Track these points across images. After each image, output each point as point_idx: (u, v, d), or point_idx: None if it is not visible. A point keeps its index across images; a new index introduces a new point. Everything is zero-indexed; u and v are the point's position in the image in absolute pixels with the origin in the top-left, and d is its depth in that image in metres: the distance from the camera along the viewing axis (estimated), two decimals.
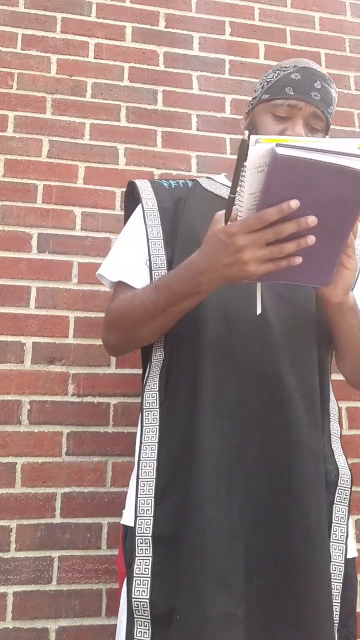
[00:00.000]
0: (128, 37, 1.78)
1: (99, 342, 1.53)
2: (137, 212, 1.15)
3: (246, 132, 0.78)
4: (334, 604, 0.94)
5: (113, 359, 1.53)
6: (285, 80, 1.10)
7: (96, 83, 1.72)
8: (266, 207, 0.78)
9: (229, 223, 0.84)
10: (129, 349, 1.15)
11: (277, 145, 0.74)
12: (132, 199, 1.20)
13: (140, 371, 1.52)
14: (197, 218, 1.08)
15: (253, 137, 0.76)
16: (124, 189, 1.64)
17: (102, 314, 1.55)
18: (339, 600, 0.95)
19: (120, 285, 1.10)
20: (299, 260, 0.83)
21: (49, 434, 1.46)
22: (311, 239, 0.81)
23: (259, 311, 0.93)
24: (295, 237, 0.81)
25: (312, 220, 0.79)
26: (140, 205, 1.14)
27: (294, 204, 0.77)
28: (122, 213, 1.62)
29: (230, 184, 1.17)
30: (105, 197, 1.64)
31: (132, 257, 1.10)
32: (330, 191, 0.78)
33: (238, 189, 0.81)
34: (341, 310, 0.98)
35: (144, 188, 1.16)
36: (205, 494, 0.91)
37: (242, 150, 0.77)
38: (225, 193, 1.16)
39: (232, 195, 0.82)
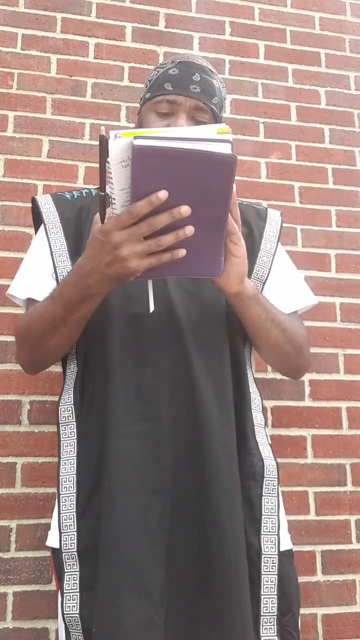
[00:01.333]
0: (128, 37, 1.78)
1: None
2: (41, 226, 1.14)
3: (102, 127, 0.77)
4: (270, 597, 0.94)
5: None
6: (164, 77, 1.10)
7: (96, 83, 1.72)
8: (137, 201, 0.78)
9: (105, 221, 0.84)
10: (44, 365, 1.12)
11: (135, 137, 0.74)
12: (35, 217, 1.18)
13: None
14: None
15: (112, 132, 0.75)
16: None
17: None
18: (275, 593, 0.95)
19: (30, 302, 1.08)
20: (182, 252, 0.82)
21: (49, 434, 1.46)
22: (189, 229, 0.80)
23: (151, 309, 0.93)
24: (174, 228, 0.80)
25: (185, 209, 0.78)
26: (41, 220, 1.13)
27: (162, 194, 0.76)
28: None
29: None
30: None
31: (38, 273, 1.09)
32: (197, 179, 0.77)
33: (108, 186, 0.80)
34: (241, 300, 0.97)
35: (44, 202, 1.14)
36: (117, 502, 0.91)
37: (102, 146, 0.76)
38: None
39: (102, 194, 0.81)
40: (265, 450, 1.03)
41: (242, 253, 0.91)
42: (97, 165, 1.72)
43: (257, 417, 1.06)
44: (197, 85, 1.08)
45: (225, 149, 0.77)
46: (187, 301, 1.02)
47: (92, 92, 1.71)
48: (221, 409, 0.97)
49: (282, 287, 1.13)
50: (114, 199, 0.80)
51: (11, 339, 1.50)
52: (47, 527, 1.39)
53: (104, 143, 0.76)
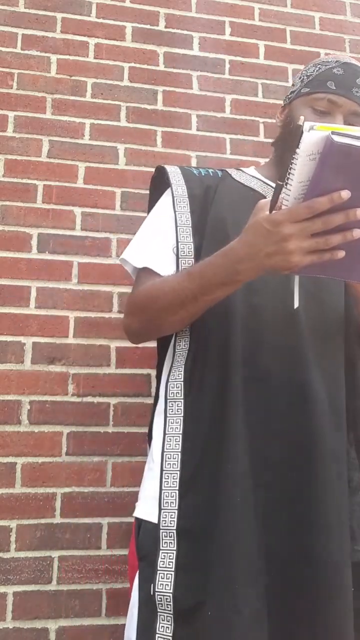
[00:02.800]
0: (128, 37, 1.78)
1: (99, 342, 1.54)
2: (166, 197, 1.12)
3: (302, 117, 0.75)
4: None
5: (113, 359, 1.53)
6: (327, 74, 1.07)
7: (96, 83, 1.72)
8: (314, 197, 0.76)
9: (274, 212, 0.81)
10: (152, 337, 1.12)
11: (333, 132, 0.72)
12: (159, 185, 1.17)
13: (141, 371, 1.53)
14: (227, 208, 1.06)
15: (307, 124, 0.73)
16: (124, 189, 1.65)
17: (102, 314, 1.55)
18: None
19: (145, 272, 1.06)
20: (342, 254, 0.81)
21: (49, 434, 1.46)
22: (357, 232, 0.79)
23: (296, 304, 0.92)
24: (341, 229, 0.79)
25: None
26: (169, 191, 1.11)
27: (345, 194, 0.75)
28: (122, 213, 1.63)
29: (260, 177, 1.16)
30: (105, 197, 1.64)
31: (160, 244, 1.07)
32: None
33: (287, 176, 0.77)
34: None
35: (174, 174, 1.13)
36: (236, 489, 0.90)
37: (296, 136, 0.74)
38: (256, 185, 1.14)
39: (280, 183, 0.79)
40: None
41: None
42: (97, 165, 1.73)
43: None
44: (359, 89, 1.06)
45: None
46: (308, 301, 1.01)
47: (92, 92, 1.71)
48: (333, 413, 0.96)
49: None
50: (289, 190, 0.78)
51: (11, 338, 1.50)
52: (47, 527, 1.40)
53: (298, 133, 0.73)
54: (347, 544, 0.91)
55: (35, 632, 1.35)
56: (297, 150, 0.74)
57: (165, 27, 1.81)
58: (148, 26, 1.80)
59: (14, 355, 1.49)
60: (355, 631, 0.88)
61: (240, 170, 1.20)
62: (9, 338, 1.50)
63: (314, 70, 1.10)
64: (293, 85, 1.16)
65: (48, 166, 1.63)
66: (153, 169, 1.69)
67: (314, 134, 0.73)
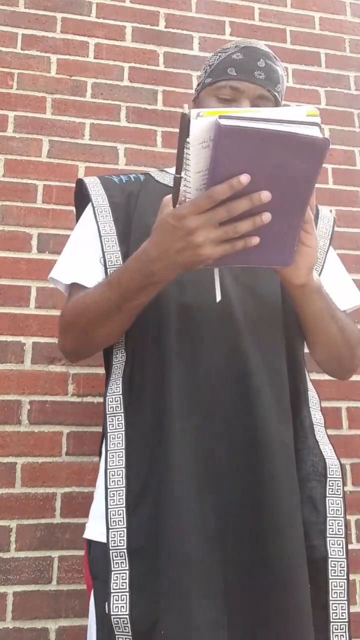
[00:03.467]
0: (128, 37, 1.78)
1: None
2: (87, 210, 1.09)
3: (186, 105, 0.72)
4: (340, 602, 0.91)
5: None
6: (227, 61, 1.05)
7: (96, 83, 1.72)
8: (215, 185, 0.73)
9: (177, 205, 0.79)
10: (89, 353, 1.08)
11: (220, 116, 0.69)
12: (80, 199, 1.14)
13: None
14: (151, 212, 1.01)
15: (194, 111, 0.71)
16: None
17: None
18: (345, 598, 0.91)
19: (74, 287, 1.04)
20: (256, 240, 0.78)
21: (49, 434, 1.46)
22: (267, 216, 0.76)
23: (218, 298, 0.88)
24: (250, 215, 0.76)
25: (265, 195, 0.74)
26: (90, 203, 1.08)
27: (245, 178, 0.72)
28: None
29: None
30: None
31: (85, 257, 1.04)
32: (282, 163, 0.73)
33: (184, 168, 0.75)
34: (305, 292, 0.93)
35: (93, 185, 1.10)
36: (180, 499, 0.87)
37: (183, 125, 0.71)
38: None
39: (178, 176, 0.76)
40: (327, 450, 0.99)
41: (314, 243, 0.87)
42: (97, 165, 1.73)
43: (316, 415, 1.02)
44: (262, 71, 1.03)
45: (314, 132, 0.72)
46: (243, 294, 0.99)
47: (92, 92, 1.71)
48: (279, 407, 0.94)
49: (334, 285, 1.09)
50: (189, 181, 0.75)
51: (11, 338, 1.50)
52: (47, 527, 1.40)
53: (185, 122, 0.71)
54: (300, 542, 0.89)
55: (35, 632, 1.35)
56: (188, 140, 0.72)
57: (165, 27, 1.81)
58: (148, 26, 1.80)
59: (14, 355, 1.49)
60: (314, 628, 0.87)
61: (164, 170, 1.18)
62: (9, 338, 1.50)
63: (215, 59, 1.08)
64: (199, 77, 1.14)
65: (48, 166, 1.63)
66: (153, 169, 1.70)
67: (201, 121, 0.70)
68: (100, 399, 1.50)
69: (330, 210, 1.20)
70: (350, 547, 1.54)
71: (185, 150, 0.73)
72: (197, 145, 0.72)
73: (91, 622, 0.93)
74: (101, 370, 1.52)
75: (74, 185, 1.66)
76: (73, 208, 1.60)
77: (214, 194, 0.73)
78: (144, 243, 0.86)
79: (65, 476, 1.44)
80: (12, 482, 1.42)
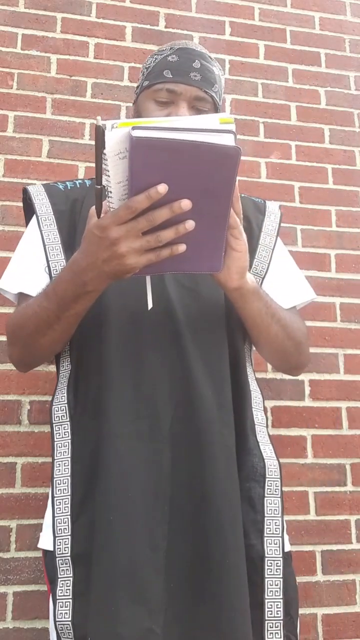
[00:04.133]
0: (128, 37, 1.78)
1: None
2: (33, 219, 1.10)
3: (98, 117, 0.73)
4: (275, 601, 0.92)
5: None
6: (162, 64, 1.05)
7: (96, 83, 1.72)
8: (135, 195, 0.74)
9: (101, 216, 0.80)
10: (35, 362, 1.09)
11: (133, 128, 0.70)
12: (26, 208, 1.15)
13: None
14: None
15: (109, 122, 0.72)
16: None
17: None
18: (280, 596, 0.92)
19: (22, 297, 1.04)
20: (182, 247, 0.79)
21: (48, 434, 1.45)
22: (190, 224, 0.77)
23: (149, 306, 0.89)
24: (174, 223, 0.77)
25: (185, 203, 0.75)
26: (34, 212, 1.09)
27: (162, 188, 0.73)
28: None
29: None
30: None
31: (30, 267, 1.05)
32: (198, 171, 0.74)
33: (104, 179, 0.76)
34: (241, 294, 0.94)
35: (37, 193, 1.10)
36: (112, 505, 0.87)
37: (98, 137, 0.72)
38: None
39: (98, 187, 0.77)
40: (267, 450, 1.00)
41: (244, 247, 0.89)
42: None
43: (258, 415, 1.03)
44: (197, 72, 1.04)
45: (228, 140, 0.74)
46: (185, 298, 1.00)
47: (92, 92, 1.71)
48: (220, 409, 0.95)
49: (281, 282, 1.11)
50: (111, 192, 0.77)
51: None
52: None
53: (100, 134, 0.72)
54: (241, 547, 0.90)
55: (35, 632, 1.35)
56: (105, 152, 0.73)
57: (165, 27, 1.81)
58: (148, 26, 1.80)
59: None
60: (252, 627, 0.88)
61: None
62: None
63: (151, 62, 1.08)
64: (138, 80, 1.14)
65: (48, 166, 1.63)
66: None
67: (116, 132, 0.71)
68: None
69: (279, 206, 1.20)
70: (350, 547, 1.56)
71: (103, 161, 0.74)
72: (114, 156, 0.73)
73: (51, 627, 0.94)
74: None
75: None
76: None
77: (133, 204, 0.75)
78: (74, 254, 0.88)
79: None
80: (12, 482, 1.42)
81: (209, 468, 0.91)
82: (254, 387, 1.06)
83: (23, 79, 1.68)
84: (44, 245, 1.05)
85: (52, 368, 1.49)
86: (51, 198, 1.09)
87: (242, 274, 0.91)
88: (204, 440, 0.92)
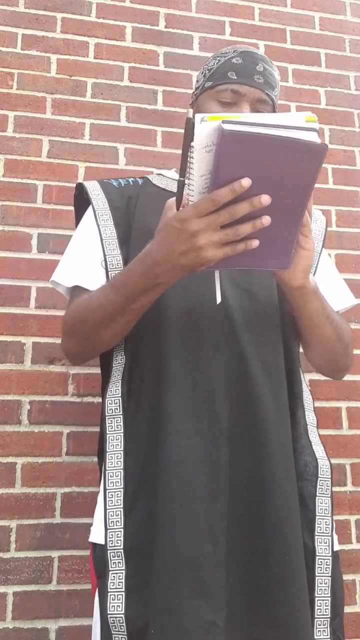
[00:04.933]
0: (128, 37, 1.78)
1: None
2: (88, 213, 1.11)
3: (190, 110, 0.75)
4: (324, 599, 0.92)
5: None
6: (226, 66, 1.07)
7: (96, 83, 1.72)
8: (217, 189, 0.75)
9: (180, 209, 0.81)
10: (92, 355, 1.08)
11: (224, 121, 0.71)
12: (81, 202, 1.16)
13: None
14: (150, 216, 1.03)
15: (198, 116, 0.73)
16: None
17: None
18: (329, 595, 0.93)
19: (76, 291, 1.05)
20: (256, 243, 0.80)
21: (49, 434, 1.46)
22: (266, 219, 0.78)
23: (218, 300, 0.90)
24: (250, 218, 0.77)
25: (265, 199, 0.76)
26: (90, 207, 1.10)
27: (246, 182, 0.74)
28: None
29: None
30: None
31: (87, 260, 1.06)
32: (282, 167, 0.75)
33: (187, 172, 0.77)
34: (303, 294, 0.94)
35: (93, 188, 1.12)
36: (174, 500, 0.88)
37: (188, 130, 0.73)
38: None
39: (182, 179, 0.78)
40: (319, 450, 1.01)
41: (311, 246, 0.88)
42: (97, 165, 1.73)
43: (310, 416, 1.04)
44: (260, 75, 1.06)
45: (313, 137, 0.74)
46: (241, 298, 1.00)
47: (92, 92, 1.71)
48: (277, 408, 0.95)
49: (327, 287, 1.10)
50: (192, 185, 0.77)
51: (11, 338, 1.50)
52: (47, 527, 1.40)
53: (190, 126, 0.73)
54: (299, 544, 0.90)
55: (35, 632, 1.35)
56: (192, 144, 0.73)
57: (165, 27, 1.81)
58: (148, 26, 1.80)
59: (14, 355, 1.49)
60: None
61: (161, 174, 1.19)
62: (9, 338, 1.50)
63: (214, 64, 1.10)
64: (197, 81, 1.16)
65: (48, 166, 1.63)
66: (153, 169, 1.69)
67: (205, 125, 0.72)
68: (100, 399, 1.50)
69: (323, 212, 1.21)
70: (350, 547, 1.56)
71: (189, 154, 0.75)
72: (200, 149, 0.74)
73: (95, 620, 0.94)
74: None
75: (74, 185, 1.66)
76: (73, 208, 1.61)
77: (217, 197, 0.75)
78: (147, 246, 0.88)
79: (65, 476, 1.44)
80: (12, 482, 1.42)
81: (267, 466, 0.91)
82: (305, 387, 1.06)
83: (23, 79, 1.68)
84: (102, 240, 1.06)
85: (53, 368, 1.50)
86: (107, 194, 1.11)
87: (307, 272, 0.91)
88: (261, 438, 0.92)
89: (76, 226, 1.17)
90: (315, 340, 1.04)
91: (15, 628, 1.35)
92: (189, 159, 0.75)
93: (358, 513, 1.56)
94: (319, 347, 1.06)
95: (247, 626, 0.87)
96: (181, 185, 0.79)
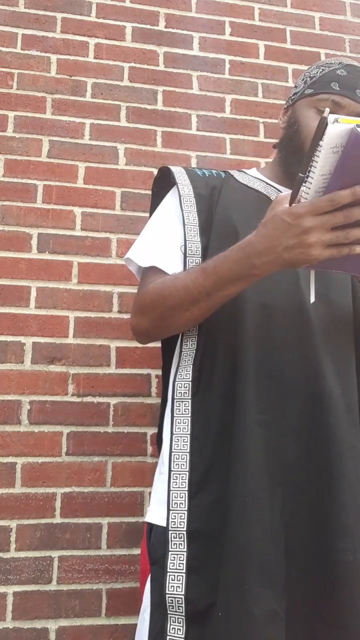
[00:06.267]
0: (128, 37, 1.78)
1: (99, 342, 1.54)
2: (172, 197, 1.12)
3: (327, 109, 0.75)
4: None
5: (113, 359, 1.53)
6: (330, 76, 1.08)
7: (96, 83, 1.72)
8: (336, 190, 0.76)
9: (294, 204, 0.81)
10: (162, 335, 1.09)
11: (358, 125, 0.72)
12: (163, 186, 1.17)
13: (141, 371, 1.53)
14: (233, 208, 1.06)
15: (332, 116, 0.73)
16: (124, 189, 1.65)
17: (102, 314, 1.55)
18: None
19: (152, 271, 1.05)
20: (359, 249, 0.81)
21: (49, 434, 1.46)
22: None
23: (312, 299, 0.92)
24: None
25: None
26: (176, 190, 1.11)
27: None
28: (122, 213, 1.63)
29: (263, 178, 1.15)
30: (105, 197, 1.64)
31: (167, 242, 1.06)
32: None
33: (309, 169, 0.77)
34: None
35: (180, 174, 1.13)
36: (247, 489, 0.89)
37: (320, 128, 0.74)
38: (259, 186, 1.14)
39: (302, 175, 0.78)
40: None
41: None
42: (97, 165, 1.73)
43: None
44: None
45: None
46: (318, 301, 1.00)
47: (92, 92, 1.71)
48: (348, 410, 0.96)
49: None
50: (311, 183, 0.78)
51: (11, 338, 1.50)
52: (47, 527, 1.40)
53: (323, 125, 0.73)
54: None
55: (35, 632, 1.35)
56: (321, 143, 0.74)
57: (165, 27, 1.81)
58: (148, 26, 1.80)
59: (14, 355, 1.49)
60: None
61: (243, 171, 1.20)
62: (9, 338, 1.50)
63: (317, 72, 1.11)
64: (296, 87, 1.16)
65: (48, 166, 1.63)
66: (153, 169, 1.69)
67: (338, 127, 0.73)
68: (101, 399, 1.50)
69: None
70: None
71: (315, 152, 0.75)
72: (328, 149, 0.74)
73: (144, 608, 0.94)
74: (101, 370, 1.52)
75: (74, 185, 1.66)
76: (73, 208, 1.61)
77: (337, 197, 0.77)
78: (249, 236, 0.88)
79: (65, 476, 1.44)
80: (12, 482, 1.42)
81: (336, 465, 0.91)
82: None
83: (23, 79, 1.68)
84: (184, 225, 1.06)
85: (53, 368, 1.50)
86: (192, 181, 1.12)
87: None
88: (332, 437, 0.93)
89: (151, 210, 1.18)
90: None
91: (15, 628, 1.35)
92: (314, 157, 0.76)
93: None
94: None
95: (309, 621, 0.88)
96: (300, 181, 0.79)
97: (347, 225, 0.79)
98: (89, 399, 1.50)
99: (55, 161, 1.64)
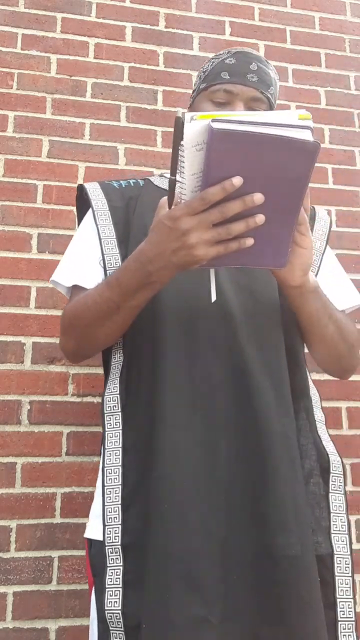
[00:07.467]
0: (128, 37, 1.78)
1: None
2: (88, 214, 1.12)
3: (179, 109, 0.75)
4: (347, 600, 0.90)
5: None
6: (220, 67, 1.08)
7: (96, 83, 1.72)
8: (209, 187, 0.75)
9: (172, 207, 0.81)
10: (89, 353, 1.09)
11: (213, 120, 0.71)
12: (82, 203, 1.17)
13: None
14: (150, 216, 1.02)
15: (188, 114, 0.73)
16: None
17: None
18: (351, 596, 0.90)
19: (76, 290, 1.06)
20: (250, 241, 0.79)
21: (49, 434, 1.46)
22: (260, 218, 0.77)
23: (213, 298, 0.89)
24: (244, 216, 0.77)
25: (258, 197, 0.75)
26: (90, 207, 1.11)
27: (237, 181, 0.73)
28: None
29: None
30: None
31: (85, 259, 1.07)
32: (274, 166, 0.74)
33: (178, 170, 0.77)
34: (301, 293, 0.94)
35: (93, 189, 1.13)
36: (166, 494, 0.87)
37: (177, 128, 0.73)
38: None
39: (173, 178, 0.78)
40: (329, 447, 1.00)
41: (309, 244, 0.88)
42: (97, 165, 1.73)
43: (317, 413, 1.02)
44: (254, 74, 1.06)
45: (306, 135, 0.74)
46: (240, 294, 1.00)
47: (92, 92, 1.71)
48: (279, 401, 0.94)
49: (331, 286, 1.09)
50: (184, 183, 0.77)
51: (11, 338, 1.50)
52: (47, 527, 1.40)
53: (179, 125, 0.73)
54: (308, 537, 0.88)
55: (35, 632, 1.35)
56: (182, 143, 0.73)
57: (165, 27, 1.81)
58: (148, 26, 1.80)
59: (14, 355, 1.49)
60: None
61: (162, 175, 1.20)
62: (9, 338, 1.50)
63: (209, 66, 1.11)
64: (194, 84, 1.17)
65: (48, 166, 1.63)
66: (153, 169, 1.70)
67: (195, 124, 0.72)
68: (100, 399, 1.50)
69: (328, 212, 1.20)
70: None
71: (179, 152, 0.75)
72: (191, 148, 0.73)
73: (92, 618, 0.94)
74: (101, 370, 1.52)
75: (74, 185, 1.67)
76: (73, 208, 1.61)
77: (207, 195, 0.75)
78: (140, 244, 0.88)
79: (65, 476, 1.44)
80: (12, 482, 1.42)
81: (269, 457, 0.90)
82: (311, 384, 1.05)
83: (23, 79, 1.68)
84: (100, 239, 1.07)
85: (53, 368, 1.50)
86: (107, 194, 1.12)
87: (305, 271, 0.91)
88: (263, 430, 0.91)
89: (78, 227, 1.18)
90: (317, 340, 1.04)
91: (15, 628, 1.35)
92: (179, 158, 0.75)
93: (358, 513, 1.56)
94: (321, 347, 1.05)
95: (250, 626, 0.86)
96: (172, 183, 0.79)
97: (229, 220, 0.77)
98: (89, 399, 1.50)
99: (55, 161, 1.64)
